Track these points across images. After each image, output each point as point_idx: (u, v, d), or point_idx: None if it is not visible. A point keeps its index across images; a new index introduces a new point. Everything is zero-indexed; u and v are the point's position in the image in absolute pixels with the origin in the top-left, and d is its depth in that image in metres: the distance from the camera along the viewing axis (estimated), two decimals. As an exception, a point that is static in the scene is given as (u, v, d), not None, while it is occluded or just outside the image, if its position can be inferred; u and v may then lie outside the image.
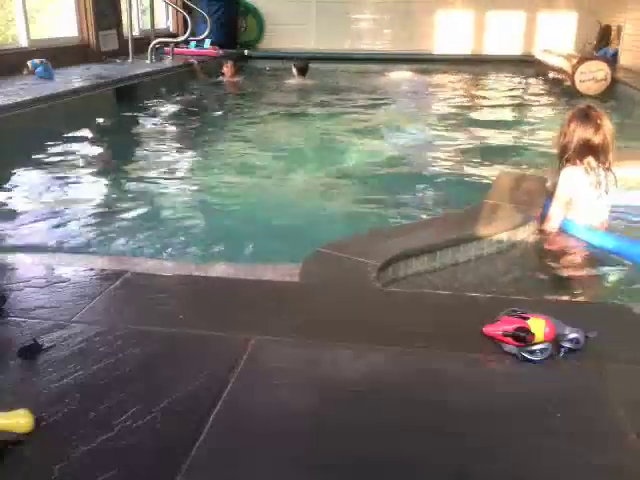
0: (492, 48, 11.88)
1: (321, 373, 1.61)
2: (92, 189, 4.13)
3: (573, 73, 8.03)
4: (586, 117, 3.15)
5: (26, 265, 2.36)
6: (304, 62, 9.02)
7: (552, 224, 3.12)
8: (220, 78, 9.14)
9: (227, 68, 9.13)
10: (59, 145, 5.12)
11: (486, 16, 12.09)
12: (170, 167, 4.76)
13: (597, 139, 3.10)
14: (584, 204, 3.11)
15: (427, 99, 8.32)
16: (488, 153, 5.22)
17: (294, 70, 8.95)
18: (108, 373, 1.57)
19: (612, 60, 9.56)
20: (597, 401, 1.52)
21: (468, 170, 4.60)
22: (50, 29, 8.34)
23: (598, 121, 3.12)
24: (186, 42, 9.82)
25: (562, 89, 8.53)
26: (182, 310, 1.95)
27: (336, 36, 12.18)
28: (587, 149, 3.11)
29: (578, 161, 3.13)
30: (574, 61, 8.30)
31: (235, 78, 9.20)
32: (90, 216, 3.53)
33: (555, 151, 3.30)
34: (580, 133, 3.12)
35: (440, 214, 3.49)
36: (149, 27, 9.97)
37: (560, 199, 3.14)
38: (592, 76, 7.93)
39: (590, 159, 3.11)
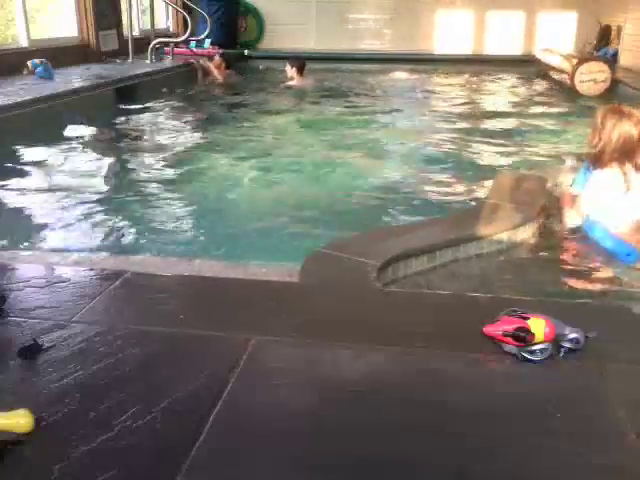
0: (492, 48, 11.86)
1: (321, 373, 1.61)
2: (91, 189, 4.12)
3: (573, 73, 8.02)
4: (622, 114, 3.04)
5: (26, 265, 2.36)
6: (301, 60, 8.56)
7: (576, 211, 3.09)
8: (214, 74, 9.01)
9: (217, 62, 9.07)
10: (59, 145, 5.12)
11: (486, 16, 12.07)
12: (170, 167, 4.75)
13: (636, 134, 2.99)
14: (609, 207, 3.04)
15: (427, 99, 8.32)
16: (488, 153, 5.22)
17: (290, 69, 8.41)
18: (108, 373, 1.57)
19: (612, 60, 9.56)
20: (597, 401, 1.52)
21: (468, 170, 4.60)
22: (50, 29, 8.33)
23: (637, 115, 3.01)
24: (186, 42, 9.81)
25: (562, 89, 8.53)
26: (182, 310, 1.95)
27: (336, 36, 12.16)
28: (627, 147, 3.00)
29: (614, 163, 3.03)
30: (574, 61, 8.28)
31: (225, 72, 9.14)
32: (90, 216, 3.52)
33: (590, 151, 3.15)
34: (619, 130, 3.00)
35: (440, 214, 3.49)
36: (149, 27, 9.96)
37: (588, 199, 3.08)
38: (592, 77, 7.91)
39: (628, 161, 3.01)
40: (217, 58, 9.18)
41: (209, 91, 8.54)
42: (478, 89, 9.49)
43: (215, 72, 9.06)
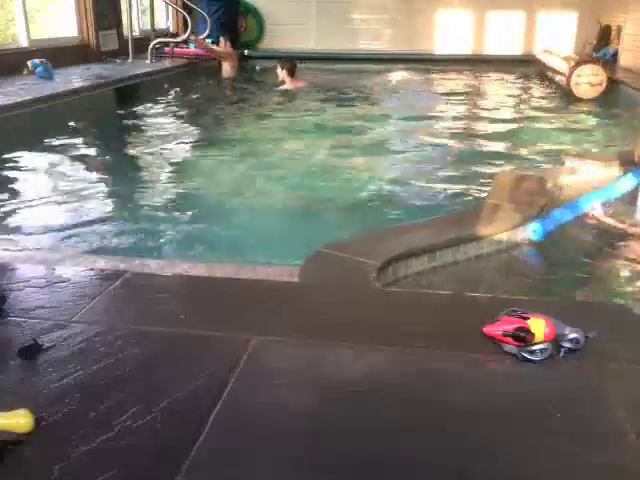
0: (492, 48, 11.87)
1: (321, 373, 1.61)
2: (91, 189, 4.12)
3: (569, 76, 8.00)
4: None
5: (26, 265, 2.35)
6: (291, 62, 8.17)
7: None
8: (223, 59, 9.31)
9: (222, 44, 9.37)
10: (58, 145, 5.12)
11: (486, 16, 12.08)
12: (169, 167, 4.76)
13: None
14: None
15: (427, 99, 8.31)
16: (488, 153, 5.22)
17: (281, 71, 8.08)
18: (108, 373, 1.57)
19: (612, 60, 9.54)
20: (597, 401, 1.52)
21: (468, 170, 4.60)
22: (50, 29, 8.33)
23: None
24: (186, 42, 9.82)
25: (561, 90, 8.52)
26: (182, 310, 1.95)
27: (336, 36, 12.16)
28: None
29: None
30: (572, 63, 8.27)
31: (232, 55, 9.47)
32: (90, 216, 3.52)
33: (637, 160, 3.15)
34: None
35: (440, 214, 3.49)
36: (149, 27, 9.97)
37: None
38: (588, 80, 7.89)
39: None
40: (222, 40, 9.51)
41: (210, 91, 8.54)
42: (478, 89, 9.49)
43: (223, 55, 9.39)
